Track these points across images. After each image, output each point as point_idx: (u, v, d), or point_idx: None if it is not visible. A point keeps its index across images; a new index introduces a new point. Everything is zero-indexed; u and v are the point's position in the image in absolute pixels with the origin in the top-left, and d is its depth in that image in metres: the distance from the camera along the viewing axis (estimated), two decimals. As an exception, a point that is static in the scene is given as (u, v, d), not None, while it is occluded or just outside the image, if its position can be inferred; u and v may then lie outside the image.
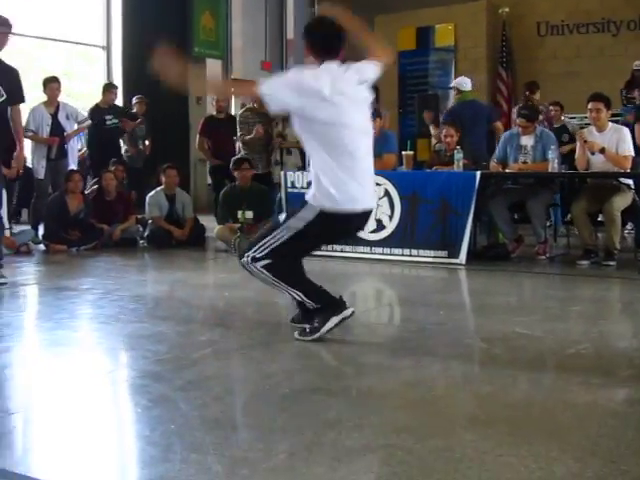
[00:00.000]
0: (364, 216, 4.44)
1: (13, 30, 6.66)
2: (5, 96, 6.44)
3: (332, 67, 4.31)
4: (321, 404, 3.25)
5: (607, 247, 7.47)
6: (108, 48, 14.35)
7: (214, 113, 11.15)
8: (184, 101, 14.70)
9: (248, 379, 3.71)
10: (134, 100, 11.71)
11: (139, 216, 9.63)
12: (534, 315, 5.15)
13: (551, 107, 10.97)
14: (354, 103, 4.31)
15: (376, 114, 8.56)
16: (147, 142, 11.50)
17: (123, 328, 4.85)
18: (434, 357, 4.03)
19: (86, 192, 9.53)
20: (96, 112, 10.66)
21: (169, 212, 9.34)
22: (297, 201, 8.33)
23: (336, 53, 4.41)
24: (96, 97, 11.28)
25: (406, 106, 15.25)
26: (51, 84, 9.86)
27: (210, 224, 9.61)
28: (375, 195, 4.65)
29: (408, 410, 3.19)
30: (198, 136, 11.16)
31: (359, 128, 4.31)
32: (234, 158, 9.56)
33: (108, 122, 10.66)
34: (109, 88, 11.18)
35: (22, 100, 6.85)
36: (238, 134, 10.28)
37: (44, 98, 9.86)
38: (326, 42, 4.40)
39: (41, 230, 9.32)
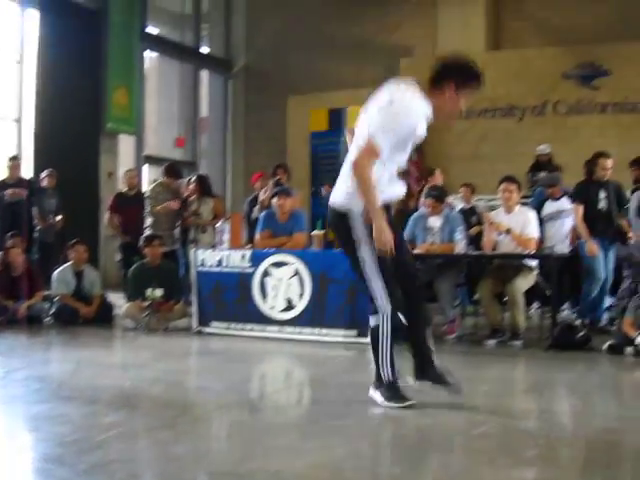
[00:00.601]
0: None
1: None
2: None
3: None
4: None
5: (513, 326, 7.64)
6: (20, 121, 14.23)
7: (125, 189, 11.10)
8: (95, 176, 14.63)
9: (153, 462, 3.64)
10: (44, 173, 11.56)
11: (46, 292, 9.44)
12: (442, 395, 5.18)
13: (461, 188, 11.27)
14: None
15: (286, 193, 8.70)
16: (59, 216, 11.31)
17: (27, 409, 4.74)
18: (343, 438, 4.02)
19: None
20: None
21: (76, 289, 9.21)
22: (207, 280, 8.36)
23: None
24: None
25: (317, 185, 15.47)
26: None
27: (119, 301, 9.50)
28: (336, 194, 4.72)
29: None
30: (108, 212, 11.08)
31: None
32: (144, 235, 9.52)
33: (7, 198, 10.54)
34: (10, 160, 11.07)
35: None
36: (147, 208, 10.21)
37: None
38: None
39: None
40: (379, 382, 4.57)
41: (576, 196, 8.82)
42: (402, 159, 4.65)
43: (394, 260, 4.56)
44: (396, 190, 4.79)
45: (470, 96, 4.63)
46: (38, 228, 11.00)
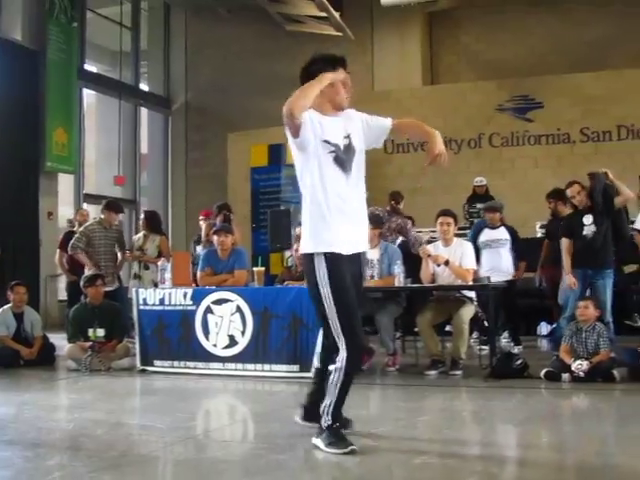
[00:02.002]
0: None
1: None
2: None
3: None
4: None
5: (453, 357, 7.76)
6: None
7: (75, 228, 11.04)
8: (35, 216, 14.52)
9: (98, 503, 3.66)
10: None
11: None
12: (384, 427, 5.27)
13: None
14: None
15: (227, 230, 8.76)
16: None
17: (-34, 454, 4.69)
18: (286, 473, 4.08)
19: None
20: None
21: (17, 331, 9.11)
22: (149, 318, 8.35)
23: None
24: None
25: (259, 221, 15.55)
26: None
27: (61, 342, 9.41)
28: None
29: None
30: (58, 250, 11.02)
31: None
32: (86, 275, 9.48)
33: None
34: None
35: None
36: (73, 244, 10.10)
37: None
38: None
39: None
40: (320, 428, 4.45)
41: (562, 230, 8.88)
42: (341, 186, 4.53)
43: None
44: (360, 233, 4.68)
45: (348, 79, 4.65)
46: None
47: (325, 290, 4.39)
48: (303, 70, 4.63)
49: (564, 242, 8.63)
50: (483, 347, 8.65)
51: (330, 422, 4.40)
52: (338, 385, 4.39)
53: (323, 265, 4.40)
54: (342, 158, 4.52)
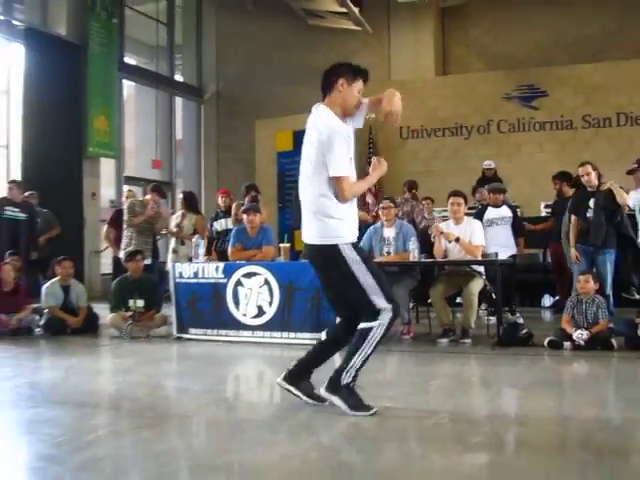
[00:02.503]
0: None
1: None
2: None
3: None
4: (207, 478, 3.28)
5: (463, 326, 7.75)
6: (8, 147, 14.18)
7: (124, 207, 11.07)
8: (79, 197, 14.58)
9: (138, 458, 3.69)
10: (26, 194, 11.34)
11: (35, 305, 9.41)
12: (399, 390, 5.29)
13: (424, 201, 11.44)
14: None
15: (255, 210, 8.76)
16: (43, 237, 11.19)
17: (21, 414, 4.76)
18: (309, 431, 4.10)
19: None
20: None
21: (64, 301, 9.19)
22: (184, 290, 8.40)
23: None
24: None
25: (284, 201, 15.55)
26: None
27: (103, 312, 9.48)
28: (313, 233, 4.50)
29: (285, 481, 3.26)
30: (106, 226, 11.06)
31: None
32: (127, 250, 9.52)
33: (8, 212, 10.40)
34: (9, 183, 10.95)
35: None
36: (125, 218, 10.13)
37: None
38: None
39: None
40: (336, 384, 4.40)
41: (570, 208, 8.85)
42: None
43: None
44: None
45: (361, 89, 4.56)
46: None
47: (360, 267, 4.39)
48: (327, 72, 4.57)
49: (572, 219, 8.64)
50: (491, 318, 8.63)
51: (350, 380, 4.39)
52: (375, 341, 4.38)
53: (353, 251, 4.41)
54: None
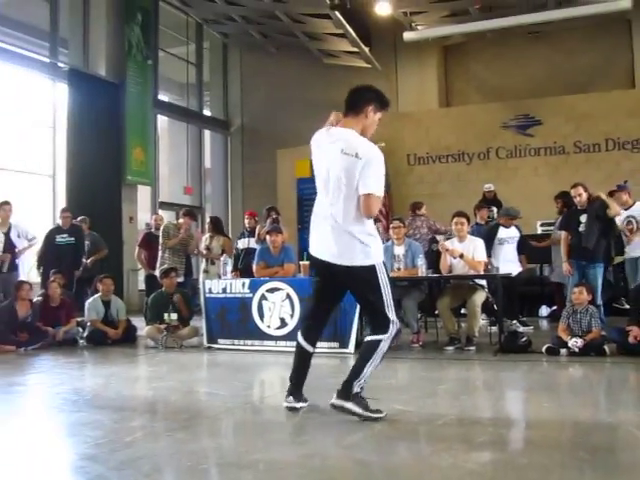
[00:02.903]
0: (320, 263, 4.41)
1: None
2: None
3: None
4: (235, 476, 3.27)
5: (468, 335, 7.71)
6: (54, 177, 14.30)
7: (152, 230, 11.12)
8: (118, 220, 14.68)
9: (173, 457, 3.67)
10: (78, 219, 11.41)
11: (79, 319, 9.45)
12: (410, 393, 5.26)
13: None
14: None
15: (278, 230, 8.77)
16: (90, 259, 11.17)
17: (66, 417, 4.76)
18: (327, 432, 4.07)
19: (34, 300, 9.30)
20: (49, 231, 10.56)
21: (105, 315, 9.22)
22: (214, 304, 8.40)
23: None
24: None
25: (303, 222, 15.54)
26: (4, 206, 9.73)
27: (140, 324, 9.51)
28: (345, 256, 4.26)
29: (307, 478, 3.23)
30: (137, 248, 11.11)
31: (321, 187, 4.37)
32: (162, 268, 9.56)
33: (59, 239, 10.48)
34: (61, 212, 11.01)
35: None
36: (161, 241, 10.19)
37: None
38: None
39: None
40: (348, 393, 4.26)
41: (560, 224, 8.84)
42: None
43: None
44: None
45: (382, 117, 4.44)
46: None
47: (385, 284, 4.30)
48: (358, 92, 4.42)
49: (562, 234, 8.63)
50: (493, 327, 8.59)
51: (359, 390, 4.29)
52: (383, 352, 4.30)
53: (383, 269, 4.33)
54: None
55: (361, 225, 4.24)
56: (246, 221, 10.95)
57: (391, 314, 4.33)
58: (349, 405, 4.28)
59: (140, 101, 15.48)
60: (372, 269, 4.29)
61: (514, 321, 9.34)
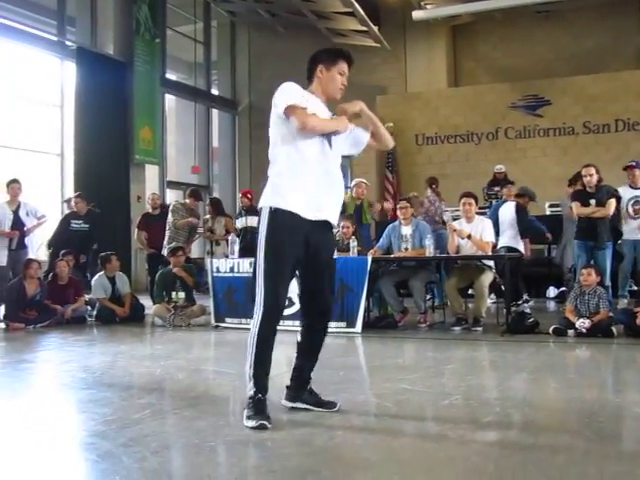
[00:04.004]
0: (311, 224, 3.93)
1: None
2: None
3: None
4: (242, 453, 3.28)
5: (475, 315, 7.70)
6: (62, 156, 14.29)
7: (150, 210, 11.11)
8: (126, 200, 14.68)
9: (181, 434, 3.69)
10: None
11: (87, 297, 9.48)
12: (417, 373, 5.26)
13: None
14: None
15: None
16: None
17: (74, 394, 4.78)
18: (335, 411, 4.08)
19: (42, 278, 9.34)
20: (65, 215, 10.59)
21: (112, 292, 9.25)
22: (221, 284, 8.40)
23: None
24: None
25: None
26: (13, 184, 9.74)
27: (148, 303, 9.53)
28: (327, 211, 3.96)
29: (314, 456, 3.23)
30: (136, 230, 11.10)
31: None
32: (170, 246, 9.56)
33: (74, 225, 10.49)
34: (74, 198, 10.95)
35: None
36: (171, 219, 10.16)
37: (6, 198, 9.76)
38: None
39: (1, 310, 9.08)
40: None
41: (573, 198, 8.80)
42: (312, 153, 3.99)
43: (311, 290, 4.14)
44: (332, 201, 4.02)
45: (346, 71, 4.11)
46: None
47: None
48: (308, 61, 4.17)
49: (574, 205, 8.64)
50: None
51: (249, 390, 3.99)
52: (254, 349, 4.16)
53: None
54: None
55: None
56: (242, 200, 10.85)
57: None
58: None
59: (148, 80, 15.40)
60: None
61: (519, 301, 9.32)
